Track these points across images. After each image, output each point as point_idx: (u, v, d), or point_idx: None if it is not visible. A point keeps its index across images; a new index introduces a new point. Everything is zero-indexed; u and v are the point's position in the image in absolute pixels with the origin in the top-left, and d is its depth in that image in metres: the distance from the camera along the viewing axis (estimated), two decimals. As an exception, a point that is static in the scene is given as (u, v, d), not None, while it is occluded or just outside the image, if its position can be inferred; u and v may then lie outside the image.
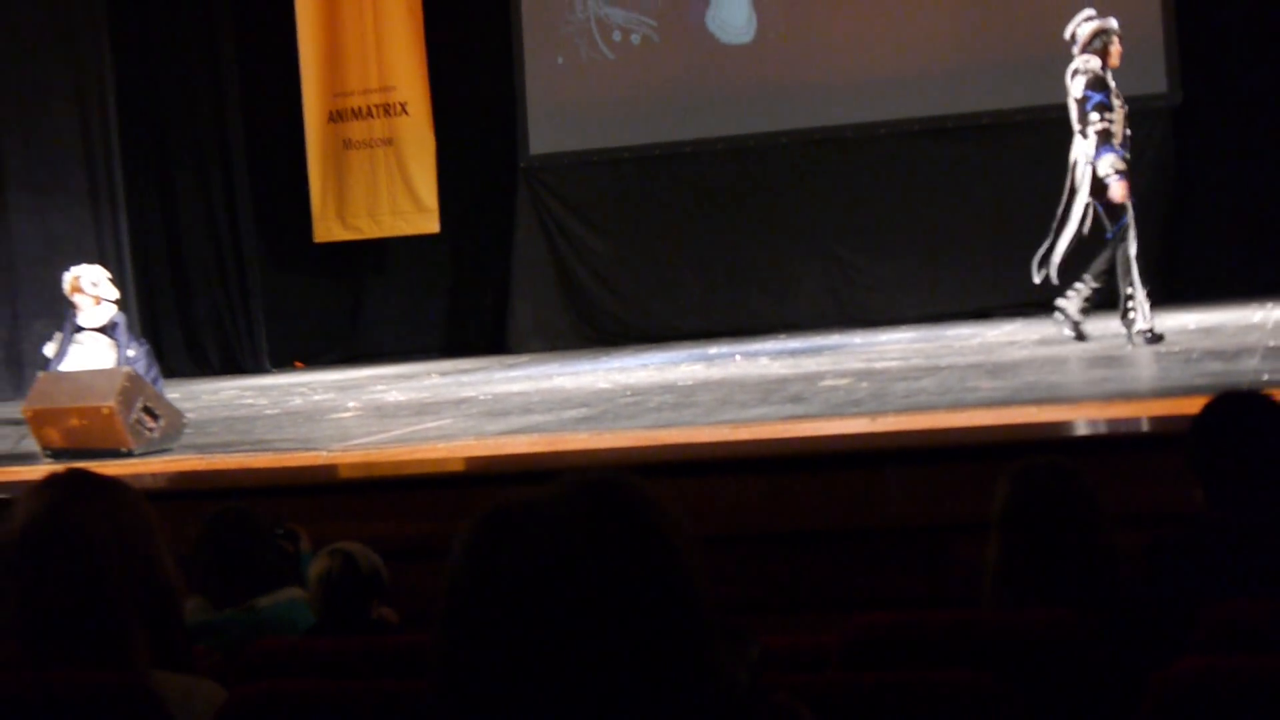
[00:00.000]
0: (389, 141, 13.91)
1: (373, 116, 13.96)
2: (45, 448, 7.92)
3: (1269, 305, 10.73)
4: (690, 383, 9.22)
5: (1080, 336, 9.06)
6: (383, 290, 14.46)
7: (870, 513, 5.43)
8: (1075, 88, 9.17)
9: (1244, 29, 12.20)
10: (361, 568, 3.95)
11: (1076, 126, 9.18)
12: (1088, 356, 8.55)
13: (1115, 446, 5.38)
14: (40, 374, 8.98)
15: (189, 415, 8.60)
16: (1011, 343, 10.06)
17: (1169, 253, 12.37)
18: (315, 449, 7.37)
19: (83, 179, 13.39)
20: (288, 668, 2.88)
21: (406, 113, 13.86)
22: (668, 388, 9.02)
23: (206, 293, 14.11)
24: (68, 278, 9.91)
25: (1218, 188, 12.31)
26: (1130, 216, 8.91)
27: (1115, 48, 9.13)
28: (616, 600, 1.29)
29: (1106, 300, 11.75)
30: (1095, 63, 9.05)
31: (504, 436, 7.22)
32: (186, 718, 2.33)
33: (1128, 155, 9.03)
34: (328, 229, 14.11)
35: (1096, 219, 9.05)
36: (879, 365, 9.22)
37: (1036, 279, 9.39)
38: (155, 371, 9.97)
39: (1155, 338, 8.62)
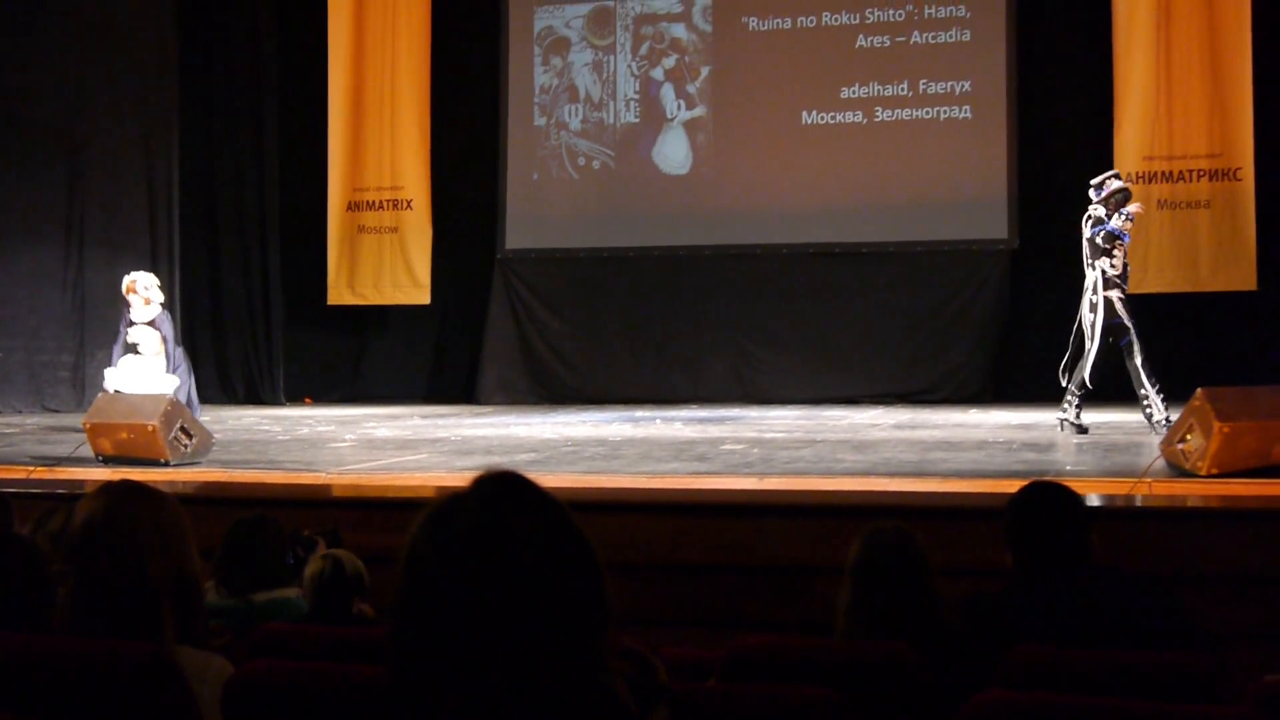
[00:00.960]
0: (394, 229, 13.89)
1: (383, 209, 13.95)
2: (98, 454, 7.83)
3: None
4: (619, 439, 9.21)
5: (1082, 430, 8.72)
6: (380, 346, 14.40)
7: (754, 553, 5.42)
8: (1087, 230, 9.00)
9: (1068, 189, 12.38)
10: (347, 570, 3.92)
11: (1087, 261, 9.01)
12: (932, 441, 8.58)
13: (948, 514, 5.41)
14: (100, 394, 8.90)
15: (217, 436, 8.53)
16: (874, 425, 10.10)
17: (1003, 365, 12.51)
18: (316, 470, 7.31)
19: (146, 240, 13.31)
20: (286, 649, 2.86)
21: (410, 208, 13.86)
22: (601, 441, 9.00)
23: (238, 338, 14.02)
24: (126, 280, 9.95)
25: (1043, 314, 12.44)
26: (1133, 334, 8.74)
27: (1129, 205, 8.94)
28: (528, 554, 1.34)
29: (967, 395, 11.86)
30: (1101, 211, 8.94)
31: (468, 472, 7.19)
32: (200, 686, 2.32)
33: (1126, 285, 8.89)
34: (339, 294, 14.06)
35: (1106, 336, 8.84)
36: (768, 435, 9.23)
37: (1064, 382, 9.04)
38: (191, 379, 9.90)
39: (1169, 423, 7.97)
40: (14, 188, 12.24)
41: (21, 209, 12.31)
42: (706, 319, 13.21)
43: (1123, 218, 8.91)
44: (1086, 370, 8.78)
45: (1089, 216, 9.07)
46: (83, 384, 12.56)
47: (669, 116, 13.44)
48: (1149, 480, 6.11)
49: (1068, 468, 6.83)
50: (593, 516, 1.45)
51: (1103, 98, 12.02)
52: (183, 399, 9.55)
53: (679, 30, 13.43)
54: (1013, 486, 5.12)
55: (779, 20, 13.12)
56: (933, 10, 12.72)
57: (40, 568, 2.65)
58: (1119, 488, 6.00)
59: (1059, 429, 8.87)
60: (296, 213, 14.16)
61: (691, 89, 13.39)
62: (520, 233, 13.76)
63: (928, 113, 12.72)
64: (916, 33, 12.76)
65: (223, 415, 11.92)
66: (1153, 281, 11.32)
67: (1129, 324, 8.77)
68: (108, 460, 7.70)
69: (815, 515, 5.53)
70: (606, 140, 13.61)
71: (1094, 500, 5.44)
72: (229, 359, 14.09)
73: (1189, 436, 6.25)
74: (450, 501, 1.39)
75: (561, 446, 8.68)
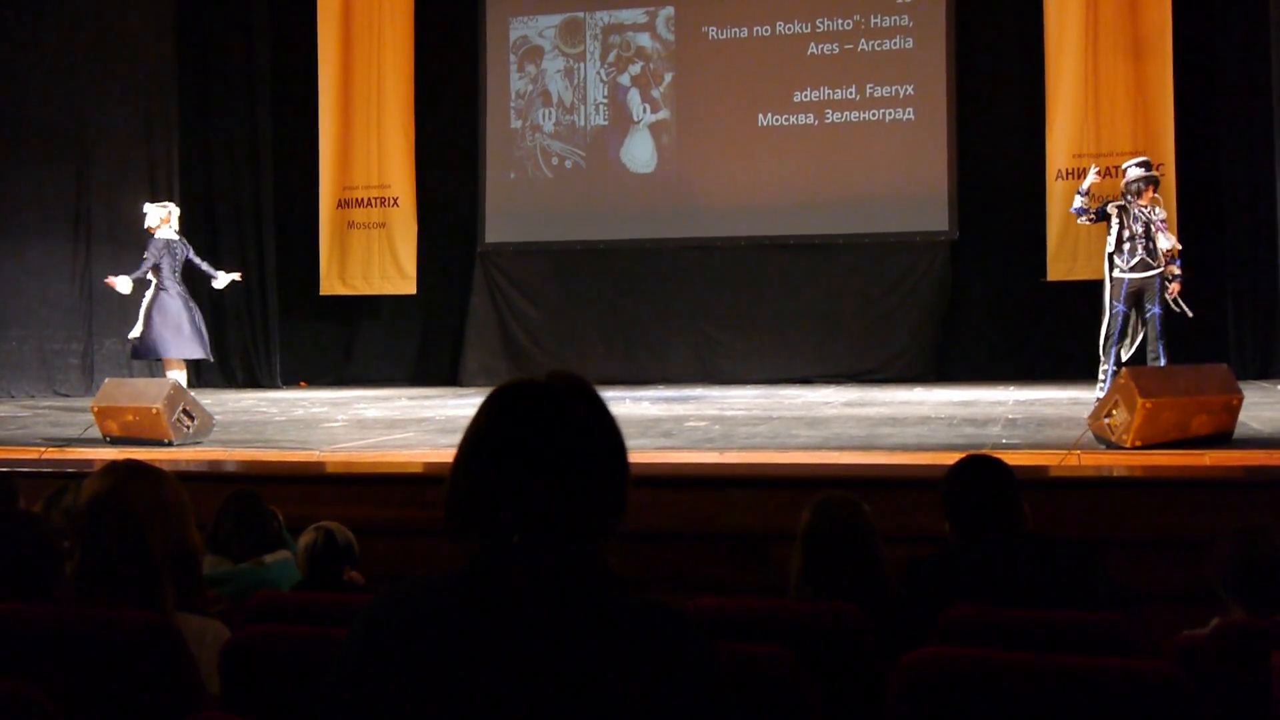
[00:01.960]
0: (382, 225, 13.83)
1: (371, 206, 13.88)
2: (105, 435, 7.78)
3: (1010, 388, 10.93)
4: (591, 417, 9.21)
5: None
6: (369, 333, 14.33)
7: (715, 521, 5.45)
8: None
9: (1004, 184, 12.45)
10: (338, 541, 3.93)
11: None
12: (879, 418, 8.61)
13: (892, 484, 5.44)
14: (107, 380, 8.85)
15: (217, 417, 8.48)
16: (826, 403, 10.13)
17: (944, 346, 12.58)
18: (310, 449, 7.30)
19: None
20: (280, 614, 2.85)
21: (397, 205, 13.80)
22: (574, 420, 9.00)
23: (237, 326, 13.92)
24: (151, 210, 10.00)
25: (981, 300, 12.53)
26: (1108, 311, 8.55)
27: (1147, 193, 8.57)
28: (579, 433, 1.49)
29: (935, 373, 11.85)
30: (1116, 204, 8.65)
31: (451, 449, 7.17)
32: (200, 650, 2.32)
33: (1124, 262, 8.53)
34: (331, 285, 13.99)
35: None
36: (728, 413, 9.25)
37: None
38: (194, 314, 9.86)
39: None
40: (25, 186, 12.13)
41: (32, 206, 12.20)
42: (671, 306, 13.21)
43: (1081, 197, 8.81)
44: (1100, 341, 8.67)
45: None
46: (91, 370, 12.47)
47: (635, 119, 13.42)
48: (1078, 452, 6.15)
49: (1003, 441, 6.87)
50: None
51: (1035, 99, 12.08)
52: (191, 343, 9.58)
53: (644, 39, 13.40)
54: (953, 458, 5.16)
55: (736, 30, 13.11)
56: (878, 20, 12.74)
57: (48, 542, 2.63)
58: (1050, 459, 6.04)
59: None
60: (290, 209, 14.07)
61: (656, 94, 13.37)
62: (499, 228, 13.73)
63: (874, 114, 12.74)
64: (863, 40, 12.77)
65: (223, 398, 11.86)
66: (1082, 269, 11.38)
67: (1106, 301, 8.64)
68: (115, 441, 7.65)
69: (771, 486, 5.56)
70: (578, 141, 13.58)
71: (1026, 471, 5.47)
72: (229, 346, 13.99)
73: (1114, 412, 6.30)
74: (523, 382, 1.55)
75: (538, 425, 8.67)
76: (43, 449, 7.26)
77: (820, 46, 12.87)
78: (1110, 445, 6.28)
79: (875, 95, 12.72)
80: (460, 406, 10.50)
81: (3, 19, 11.73)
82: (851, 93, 12.78)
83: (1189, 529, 4.89)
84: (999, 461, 3.26)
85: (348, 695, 1.42)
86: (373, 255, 13.81)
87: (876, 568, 3.04)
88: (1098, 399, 7.50)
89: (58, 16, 12.20)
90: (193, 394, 8.25)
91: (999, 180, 12.49)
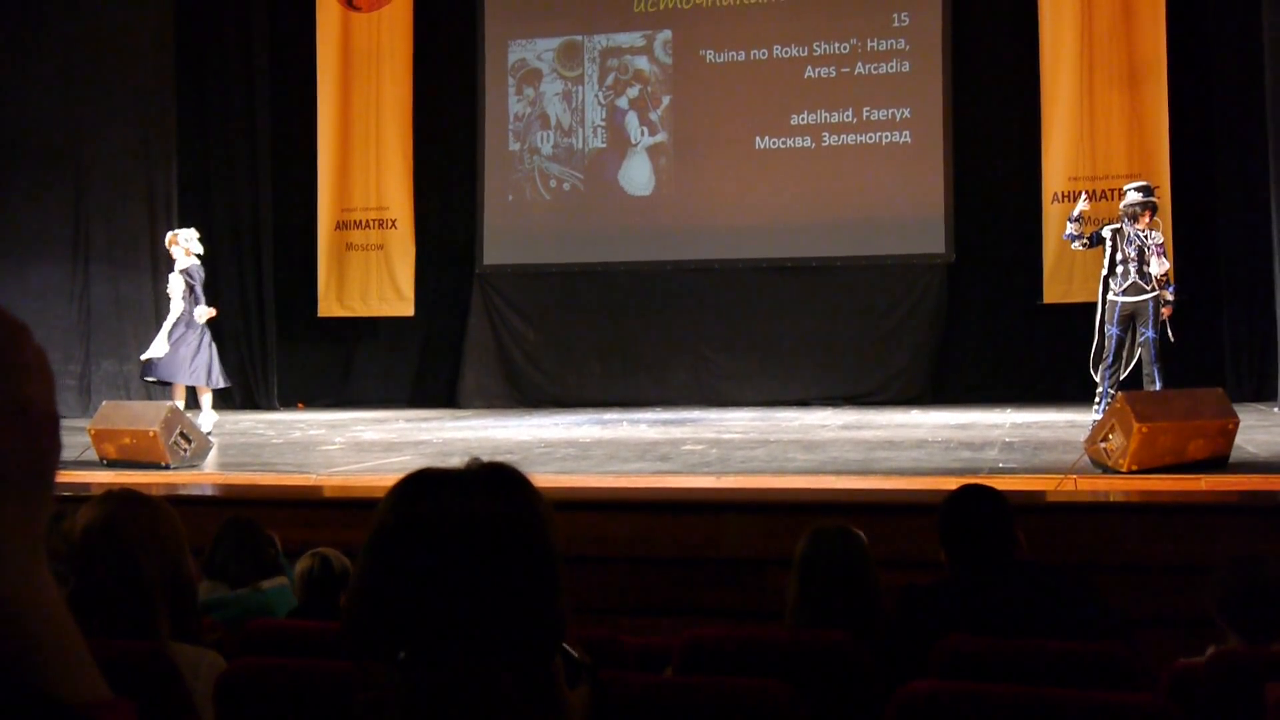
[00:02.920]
0: (380, 247, 13.85)
1: (369, 228, 13.91)
2: (102, 458, 7.77)
3: (1007, 411, 10.94)
4: (588, 440, 9.21)
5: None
6: (367, 355, 14.33)
7: (711, 547, 5.44)
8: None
9: (1000, 207, 12.49)
10: (334, 567, 3.91)
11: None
12: (876, 441, 8.61)
13: (888, 509, 5.44)
14: (104, 402, 8.85)
15: (214, 439, 8.48)
16: (823, 426, 10.13)
17: (941, 369, 12.59)
18: (307, 472, 7.28)
19: (147, 257, 13.21)
20: (276, 643, 2.84)
21: (395, 227, 13.82)
22: (571, 443, 9.01)
23: (235, 347, 13.90)
24: (168, 235, 10.10)
25: (977, 324, 12.54)
26: (1098, 336, 8.62)
27: (1144, 217, 8.62)
28: (497, 540, 1.27)
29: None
30: (1111, 227, 8.68)
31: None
32: (194, 681, 2.31)
33: (1117, 286, 8.56)
34: (329, 307, 14.00)
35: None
36: (725, 436, 9.25)
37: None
38: (211, 351, 9.96)
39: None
40: (23, 208, 12.14)
41: (30, 228, 12.21)
42: (669, 328, 13.22)
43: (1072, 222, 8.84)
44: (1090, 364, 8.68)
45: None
46: (89, 391, 12.46)
47: (633, 142, 13.45)
48: (1074, 476, 6.15)
49: (1000, 465, 6.87)
50: (563, 514, 1.43)
51: (1031, 123, 12.12)
52: (201, 370, 9.68)
53: (642, 62, 13.45)
54: (949, 483, 5.15)
55: (734, 53, 13.16)
56: (875, 44, 12.79)
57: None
58: (1046, 483, 6.04)
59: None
60: (289, 231, 14.09)
61: (654, 116, 13.40)
62: (497, 249, 13.75)
63: (870, 138, 12.78)
64: (860, 64, 12.82)
65: (221, 420, 11.83)
66: (1078, 292, 11.39)
67: (1098, 325, 8.63)
68: (111, 464, 7.65)
69: (768, 511, 5.55)
70: (576, 164, 13.61)
71: (1023, 495, 5.47)
72: (227, 367, 13.90)
73: (1110, 436, 6.31)
74: (434, 470, 1.34)
75: (535, 447, 8.68)
76: (39, 472, 7.23)
77: (817, 70, 12.91)
78: (1106, 470, 6.28)
79: (872, 118, 12.76)
80: (458, 429, 10.50)
81: (1, 41, 11.76)
82: (848, 116, 12.82)
83: (1185, 554, 4.89)
84: (994, 491, 3.26)
85: None
86: (371, 277, 13.83)
87: (872, 597, 3.04)
88: (1094, 422, 7.50)
89: (56, 38, 12.24)
90: (189, 416, 8.25)
91: (995, 203, 12.52)
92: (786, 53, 13.00)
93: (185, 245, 10.04)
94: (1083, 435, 7.15)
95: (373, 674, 1.29)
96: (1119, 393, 7.03)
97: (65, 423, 7.94)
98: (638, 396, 12.99)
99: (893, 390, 12.56)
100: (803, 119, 12.93)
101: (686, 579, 5.35)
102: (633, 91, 13.46)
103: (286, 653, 2.67)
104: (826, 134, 12.89)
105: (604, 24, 13.54)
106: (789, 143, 12.97)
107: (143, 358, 10.03)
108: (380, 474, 7.19)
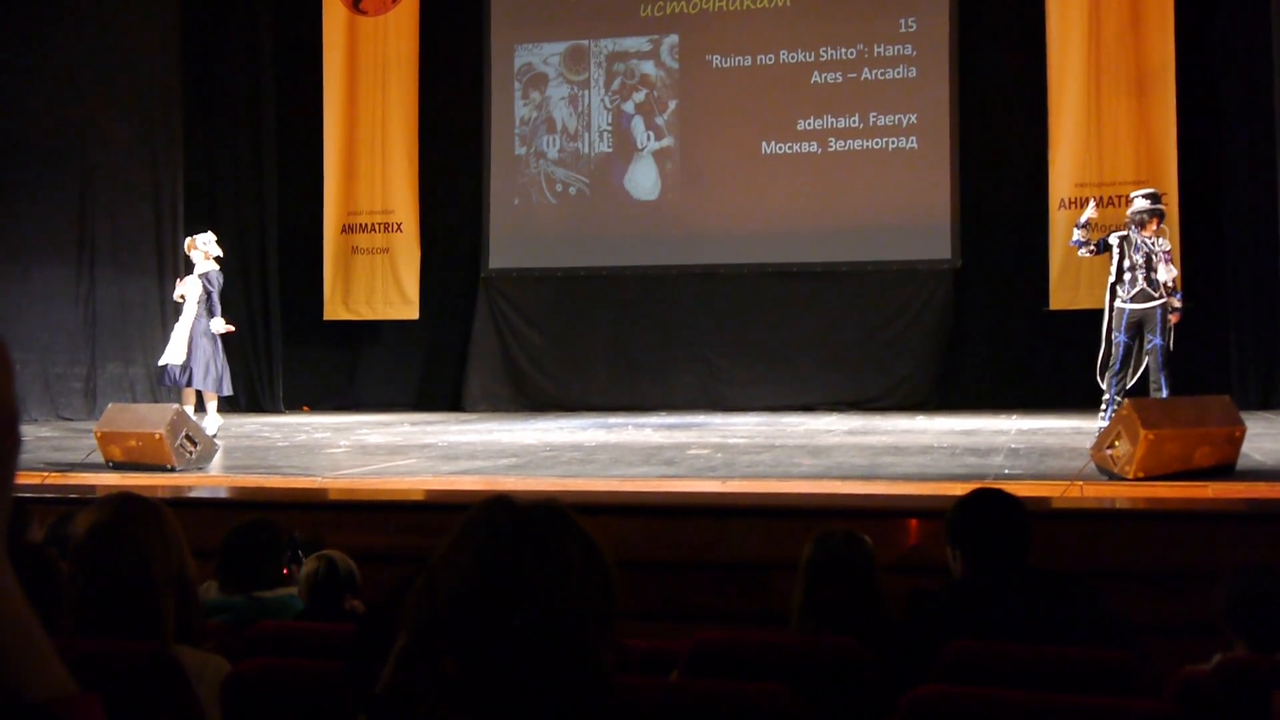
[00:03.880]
0: (385, 250, 13.87)
1: (375, 231, 13.93)
2: (108, 460, 7.77)
3: (1013, 417, 10.92)
4: (593, 444, 9.21)
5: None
6: (372, 358, 14.35)
7: (717, 550, 5.44)
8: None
9: (1007, 212, 12.49)
10: (340, 570, 3.91)
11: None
12: (881, 446, 8.60)
13: (894, 513, 5.44)
14: (110, 405, 8.85)
15: (219, 442, 8.48)
16: (828, 431, 10.12)
17: (947, 374, 12.58)
18: (312, 475, 7.28)
19: (153, 259, 13.23)
20: (281, 646, 2.84)
21: (400, 230, 13.85)
22: (576, 447, 9.00)
23: (240, 350, 13.91)
24: (187, 240, 10.16)
25: (983, 330, 12.53)
26: (1106, 340, 8.58)
27: (1151, 224, 8.54)
28: (557, 578, 1.29)
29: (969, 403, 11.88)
30: (1119, 234, 8.65)
31: (454, 475, 7.17)
32: (199, 685, 2.31)
33: (1125, 292, 8.50)
34: (335, 310, 14.02)
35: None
36: (731, 441, 9.23)
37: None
38: (221, 357, 10.02)
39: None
40: (29, 211, 12.15)
41: (35, 230, 12.22)
42: (674, 333, 13.23)
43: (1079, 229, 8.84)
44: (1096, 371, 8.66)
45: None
46: (94, 394, 12.46)
47: (639, 147, 13.46)
48: (1081, 483, 6.14)
49: (1005, 471, 6.86)
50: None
51: (1038, 129, 12.12)
52: (212, 377, 9.73)
53: (648, 67, 13.46)
54: (955, 489, 5.15)
55: (740, 58, 13.17)
56: (881, 49, 12.80)
57: (53, 573, 2.63)
58: (1052, 490, 6.03)
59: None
60: (294, 235, 14.11)
61: (660, 121, 13.42)
62: (503, 253, 13.76)
63: (877, 143, 12.79)
64: (867, 69, 12.83)
65: (226, 423, 11.84)
66: (1084, 298, 11.38)
67: (1104, 330, 8.60)
68: (117, 466, 7.65)
69: (774, 516, 5.55)
70: (582, 168, 13.63)
71: (1029, 502, 5.46)
72: (232, 370, 13.96)
73: (1117, 443, 6.30)
74: (510, 504, 1.35)
75: (540, 451, 8.67)
76: (45, 474, 7.26)
77: (824, 75, 12.92)
78: (1113, 476, 6.27)
79: (878, 124, 12.76)
80: (463, 432, 10.50)
81: (6, 43, 11.78)
82: (855, 121, 12.83)
83: (1191, 562, 4.88)
84: (1009, 496, 3.24)
85: None
86: (376, 280, 13.85)
87: (877, 602, 3.03)
88: (1100, 429, 7.49)
89: (61, 40, 12.25)
90: (195, 419, 8.26)
91: (1002, 209, 12.52)
92: (793, 58, 13.01)
93: (204, 249, 10.06)
94: (1089, 442, 7.14)
95: (404, 674, 1.30)
96: (1126, 399, 7.02)
97: (71, 425, 7.98)
98: (643, 401, 12.99)
99: (898, 396, 12.56)
100: (809, 124, 12.94)
101: (691, 583, 5.35)
102: (639, 96, 13.47)
103: (293, 654, 2.67)
104: (833, 139, 12.89)
105: (610, 28, 13.56)
106: (795, 148, 12.98)
107: (161, 363, 10.05)
108: (385, 477, 7.19)
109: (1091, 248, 8.79)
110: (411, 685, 1.29)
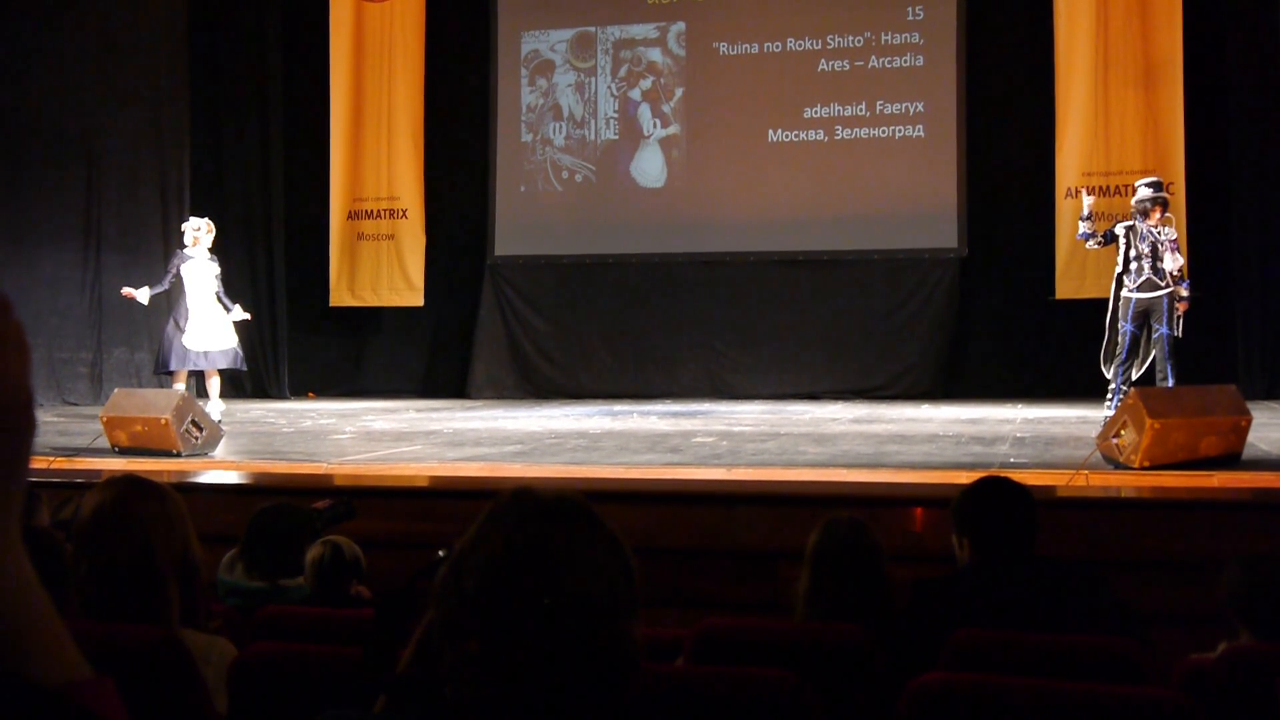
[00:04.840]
0: (391, 237, 13.87)
1: (380, 218, 13.92)
2: (114, 445, 7.79)
3: (1018, 406, 10.92)
4: (598, 431, 9.21)
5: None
6: (378, 345, 14.36)
7: (722, 539, 5.44)
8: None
9: (1013, 201, 12.47)
10: (345, 556, 3.90)
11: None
12: (887, 435, 8.60)
13: (899, 502, 5.43)
14: (116, 390, 8.86)
15: (225, 428, 8.49)
16: (834, 419, 10.12)
17: (952, 363, 12.57)
18: (317, 461, 7.29)
19: (159, 246, 13.24)
20: (287, 631, 2.84)
21: (406, 217, 13.84)
22: (582, 434, 9.00)
23: (246, 337, 13.92)
24: (185, 225, 10.25)
25: (989, 319, 12.52)
26: (1111, 331, 8.61)
27: (1155, 213, 8.55)
28: (580, 566, 1.30)
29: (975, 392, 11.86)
30: (1125, 224, 8.65)
31: (459, 462, 7.17)
32: (206, 669, 2.31)
33: (1131, 282, 8.50)
34: (340, 297, 14.02)
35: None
36: (736, 429, 9.23)
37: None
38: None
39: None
40: (36, 197, 12.16)
41: (42, 217, 12.24)
42: (680, 321, 13.22)
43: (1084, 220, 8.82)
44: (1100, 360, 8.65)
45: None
46: (100, 379, 12.50)
47: (646, 134, 13.44)
48: (1086, 472, 6.13)
49: (1011, 460, 6.85)
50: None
51: (1045, 117, 12.08)
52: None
53: (655, 54, 13.44)
54: (960, 478, 5.15)
55: (747, 45, 13.14)
56: (889, 37, 12.76)
57: (59, 557, 2.64)
58: (1058, 479, 6.02)
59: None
60: (300, 221, 14.12)
61: (666, 108, 13.39)
62: (508, 241, 13.75)
63: (884, 131, 12.76)
64: (874, 57, 12.80)
65: (232, 409, 11.85)
66: (1090, 287, 11.36)
67: (1109, 321, 8.59)
68: (123, 451, 7.66)
69: (779, 504, 5.54)
70: (588, 156, 13.61)
71: (1034, 490, 5.45)
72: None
73: (1123, 432, 6.29)
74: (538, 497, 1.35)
75: (545, 439, 8.67)
76: (51, 459, 7.26)
77: (831, 63, 12.89)
78: (1118, 466, 6.26)
79: (885, 112, 12.74)
80: (468, 419, 10.51)
81: (13, 29, 11.78)
82: (862, 109, 12.80)
83: (1197, 551, 4.88)
84: (1016, 484, 3.24)
85: None
86: (382, 267, 13.85)
87: (883, 590, 3.03)
88: (1106, 418, 7.48)
89: (68, 27, 12.25)
90: (200, 404, 8.27)
91: (1008, 198, 12.50)
92: (800, 45, 12.98)
93: (194, 234, 10.19)
94: (1094, 431, 7.13)
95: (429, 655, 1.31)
96: (1132, 388, 7.01)
97: (78, 410, 7.98)
98: (648, 388, 12.99)
99: (904, 384, 12.55)
100: (816, 112, 12.91)
101: (697, 570, 5.35)
102: (646, 83, 13.45)
103: (300, 639, 2.67)
104: (840, 127, 12.87)
105: (617, 15, 13.53)
106: (802, 136, 12.95)
107: (202, 349, 10.11)
108: (390, 463, 7.20)
109: (1099, 240, 8.77)
110: (433, 667, 1.30)
